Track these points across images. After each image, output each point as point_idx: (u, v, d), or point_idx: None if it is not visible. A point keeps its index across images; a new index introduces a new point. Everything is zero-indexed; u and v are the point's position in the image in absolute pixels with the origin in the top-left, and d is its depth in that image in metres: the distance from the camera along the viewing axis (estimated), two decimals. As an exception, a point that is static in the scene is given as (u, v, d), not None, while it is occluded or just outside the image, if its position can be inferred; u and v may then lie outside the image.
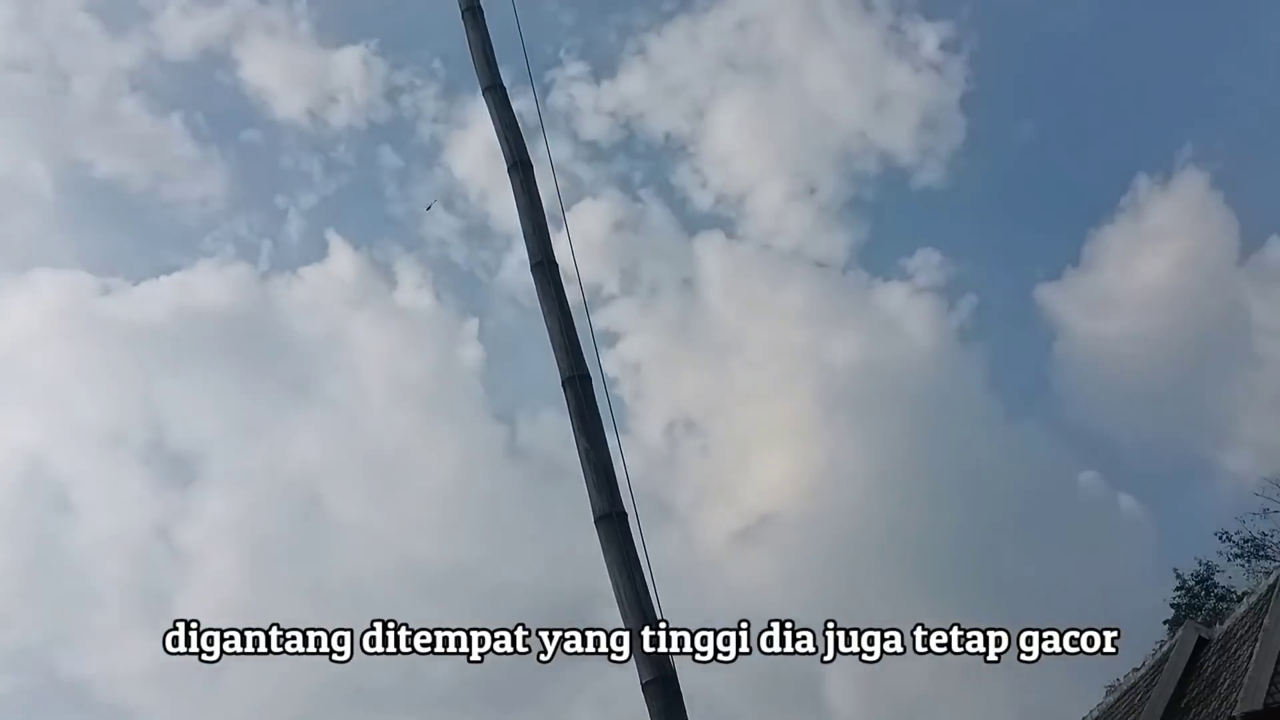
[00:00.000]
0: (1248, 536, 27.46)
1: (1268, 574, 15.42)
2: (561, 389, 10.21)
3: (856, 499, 38.27)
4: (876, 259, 46.61)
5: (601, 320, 40.90)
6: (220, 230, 46.16)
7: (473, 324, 45.15)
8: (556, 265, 10.89)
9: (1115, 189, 45.37)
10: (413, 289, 44.59)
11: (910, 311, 42.88)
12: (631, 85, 45.13)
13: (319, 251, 47.06)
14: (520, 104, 12.54)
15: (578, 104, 44.58)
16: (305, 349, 42.06)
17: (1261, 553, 27.21)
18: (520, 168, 11.53)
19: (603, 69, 50.36)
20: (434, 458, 40.19)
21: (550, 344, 10.58)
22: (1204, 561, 27.93)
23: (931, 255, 43.93)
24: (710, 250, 44.55)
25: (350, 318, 43.64)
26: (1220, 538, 27.58)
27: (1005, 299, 45.98)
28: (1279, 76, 43.01)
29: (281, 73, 47.06)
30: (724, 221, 45.47)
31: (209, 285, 42.12)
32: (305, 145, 46.23)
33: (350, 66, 45.72)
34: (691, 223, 47.91)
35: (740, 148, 45.56)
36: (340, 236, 44.21)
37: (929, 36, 43.35)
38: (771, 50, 45.26)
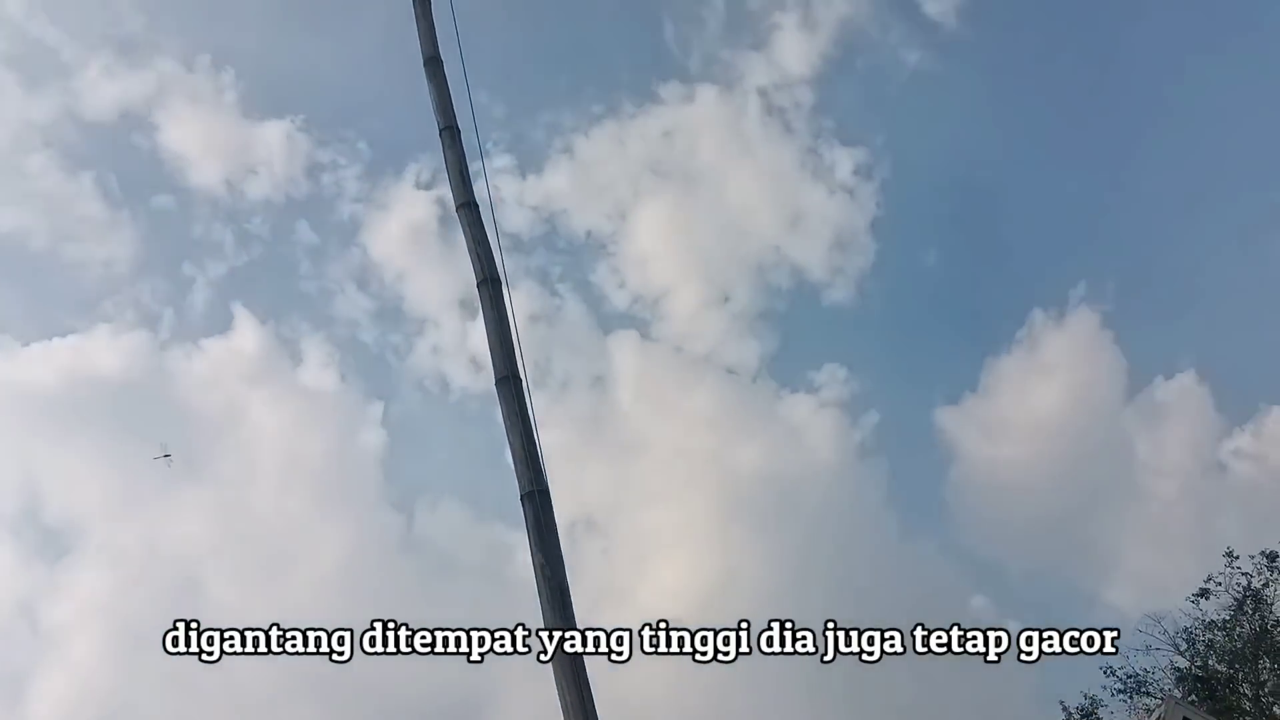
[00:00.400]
0: (1130, 673, 28.69)
1: (1149, 711, 16.16)
2: (520, 503, 10.39)
3: (751, 608, 38.50)
4: (785, 370, 48.05)
5: (508, 412, 41.16)
6: (122, 295, 45.06)
7: (377, 408, 44.74)
8: (522, 381, 11.15)
9: (1012, 321, 47.87)
10: (318, 368, 44.04)
11: (814, 424, 44.10)
12: (556, 182, 46.27)
13: (223, 324, 46.21)
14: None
15: (502, 195, 45.00)
16: (198, 423, 41.08)
17: (1143, 689, 28.42)
18: (490, 284, 11.82)
19: (529, 164, 51.56)
20: (324, 545, 39.27)
21: (511, 458, 10.79)
22: (1089, 695, 29.02)
23: (838, 370, 45.42)
24: (624, 349, 45.40)
25: (249, 394, 42.85)
26: (1105, 672, 28.74)
27: (906, 419, 47.72)
28: (1166, 229, 46.40)
29: (202, 141, 46.73)
30: (639, 322, 46.39)
31: (103, 351, 41.07)
32: (219, 215, 45.70)
33: (274, 140, 45.75)
34: (607, 321, 48.81)
35: (659, 251, 46.80)
36: (247, 310, 43.61)
37: (844, 161, 45.67)
38: (695, 161, 47.02)
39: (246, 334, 43.32)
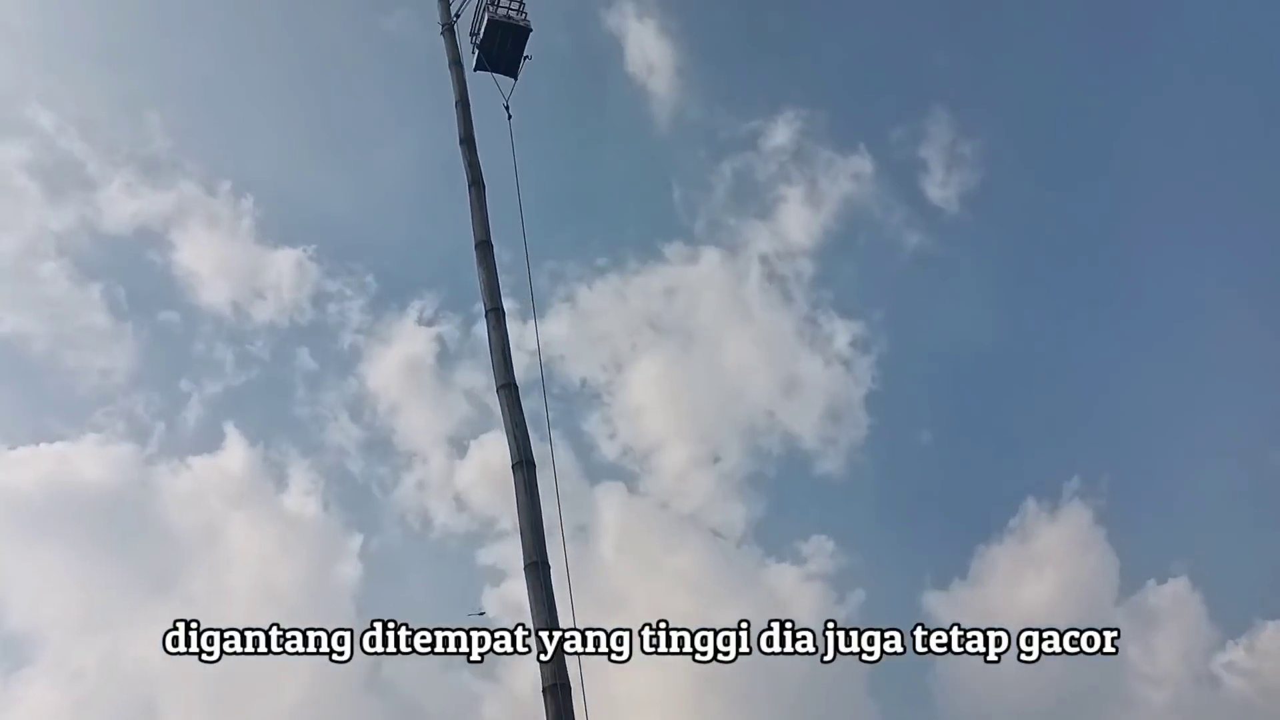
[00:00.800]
0: None
1: None
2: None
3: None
4: (771, 537, 47.70)
5: (489, 556, 40.15)
6: (115, 406, 44.82)
7: (357, 540, 43.94)
8: (549, 568, 11.42)
9: (1005, 509, 47.79)
10: (301, 494, 43.59)
11: (799, 596, 43.54)
12: (556, 328, 46.96)
13: (213, 442, 45.73)
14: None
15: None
16: (176, 541, 40.22)
17: None
18: (525, 466, 12.26)
19: (528, 312, 52.42)
20: (287, 677, 38.11)
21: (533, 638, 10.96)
22: None
23: (825, 543, 45.19)
24: (610, 501, 45.16)
25: (229, 515, 42.17)
26: None
27: (892, 600, 46.99)
28: (1164, 430, 47.12)
29: (214, 262, 47.21)
30: (627, 475, 46.30)
31: (89, 461, 40.52)
32: (222, 334, 45.91)
33: (284, 267, 46.49)
34: (595, 471, 48.71)
35: (652, 405, 46.98)
36: (238, 430, 43.28)
37: (842, 333, 46.48)
38: (694, 320, 47.77)
39: (235, 454, 43.21)
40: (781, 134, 48.02)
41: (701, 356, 47.38)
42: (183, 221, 46.72)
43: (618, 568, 42.56)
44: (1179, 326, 46.11)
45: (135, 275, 46.60)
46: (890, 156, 48.30)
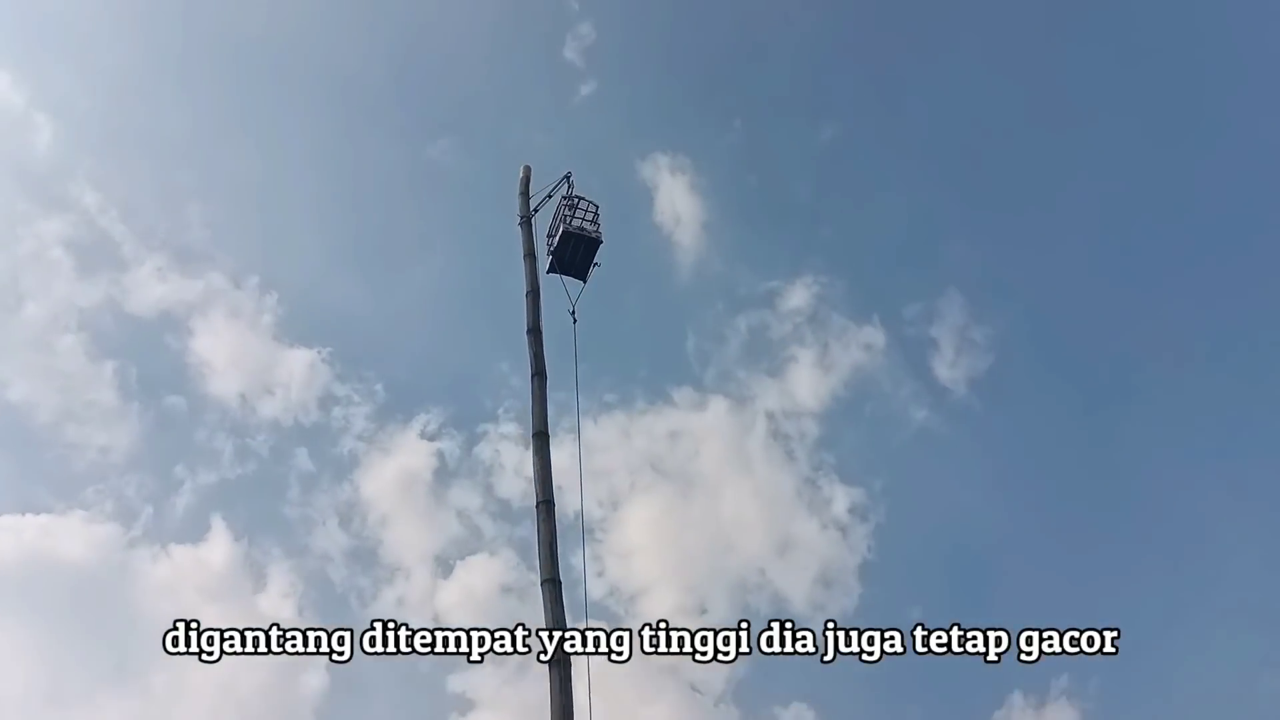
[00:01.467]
0: None
1: None
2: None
3: None
4: (751, 699, 47.30)
5: (459, 684, 39.98)
6: (107, 484, 45.15)
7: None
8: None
9: (990, 700, 47.42)
10: (278, 596, 43.54)
11: (774, 764, 43.17)
12: (557, 458, 47.53)
13: (198, 533, 45.87)
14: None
15: (501, 460, 45.94)
16: (145, 629, 40.19)
17: None
18: (561, 664, 13.20)
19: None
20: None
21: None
22: None
23: (805, 712, 44.93)
24: (591, 640, 45.03)
25: (202, 609, 42.13)
26: None
27: (870, 779, 46.57)
28: (1156, 641, 47.04)
29: (229, 354, 48.26)
30: (611, 615, 46.53)
31: (72, 537, 40.80)
32: (225, 425, 46.59)
33: (297, 366, 47.43)
34: (578, 608, 48.88)
35: (644, 548, 47.30)
36: (225, 523, 43.68)
37: (841, 498, 47.10)
38: (695, 466, 48.73)
39: (217, 547, 43.37)
40: (799, 296, 49.92)
41: (699, 504, 48.06)
42: (205, 310, 48.09)
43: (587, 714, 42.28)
44: (1181, 533, 46.61)
45: (149, 357, 47.70)
46: (903, 332, 49.99)
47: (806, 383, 49.14)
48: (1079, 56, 54.72)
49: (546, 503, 15.15)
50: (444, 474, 47.12)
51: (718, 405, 48.98)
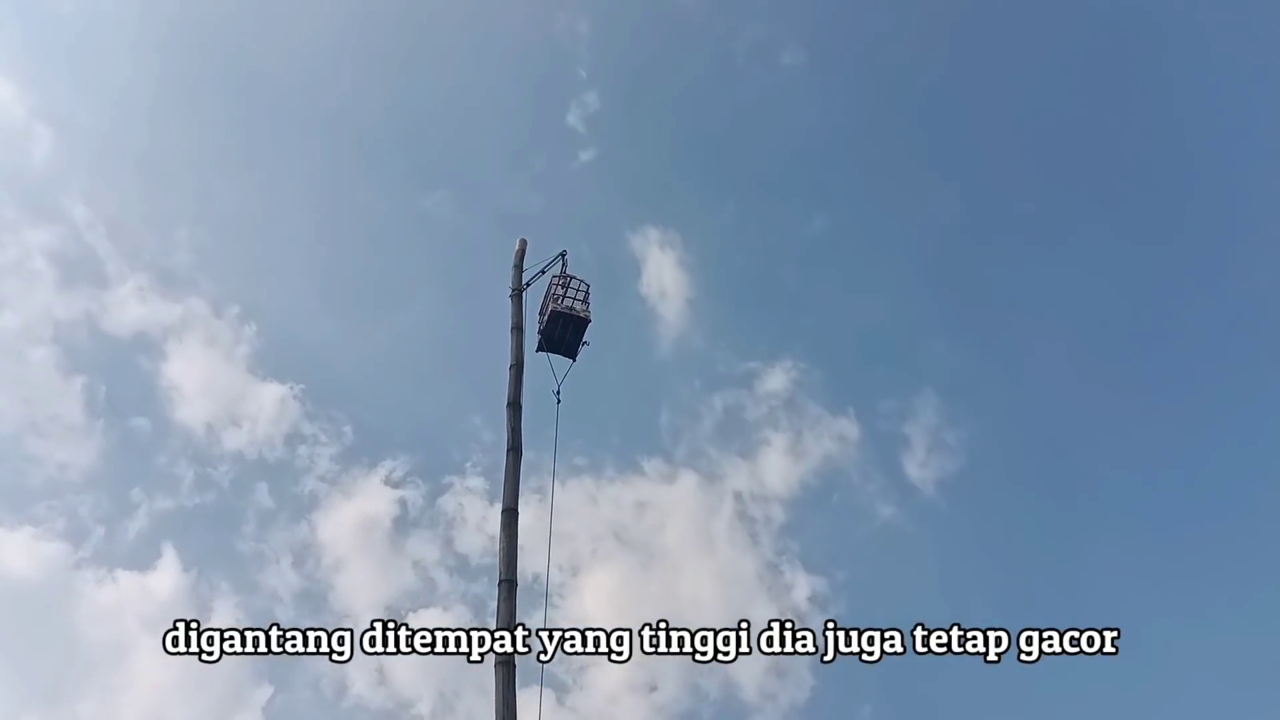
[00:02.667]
0: None
1: None
2: None
3: None
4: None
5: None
6: (60, 501, 44.44)
7: (265, 692, 42.86)
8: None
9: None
10: (220, 632, 42.70)
11: None
12: (522, 518, 47.10)
13: (147, 560, 45.08)
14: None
15: (465, 514, 45.89)
16: (81, 654, 39.34)
17: None
18: (504, 667, 13.26)
19: (498, 492, 52.80)
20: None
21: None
22: None
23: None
24: (534, 706, 44.34)
25: (141, 639, 41.27)
26: None
27: None
28: None
29: (200, 381, 47.88)
30: (558, 684, 45.71)
31: (18, 552, 40.06)
32: (188, 452, 46.23)
33: (267, 401, 47.22)
34: (527, 674, 48.11)
35: (600, 618, 46.90)
36: (175, 552, 42.97)
37: (802, 585, 46.74)
38: (658, 539, 48.53)
39: (165, 576, 42.55)
40: (777, 380, 50.19)
41: (658, 578, 47.74)
42: (181, 335, 47.87)
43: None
44: (1140, 651, 46.61)
45: (119, 376, 47.33)
46: (876, 425, 50.50)
47: (777, 468, 49.38)
48: (1065, 166, 56.40)
49: (509, 581, 15.12)
50: (403, 523, 46.73)
51: (687, 480, 49.05)
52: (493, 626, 14.58)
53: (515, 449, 16.83)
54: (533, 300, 19.55)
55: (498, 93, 57.07)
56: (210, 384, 47.47)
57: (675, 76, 58.61)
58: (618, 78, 57.55)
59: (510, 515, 15.94)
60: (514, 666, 14.10)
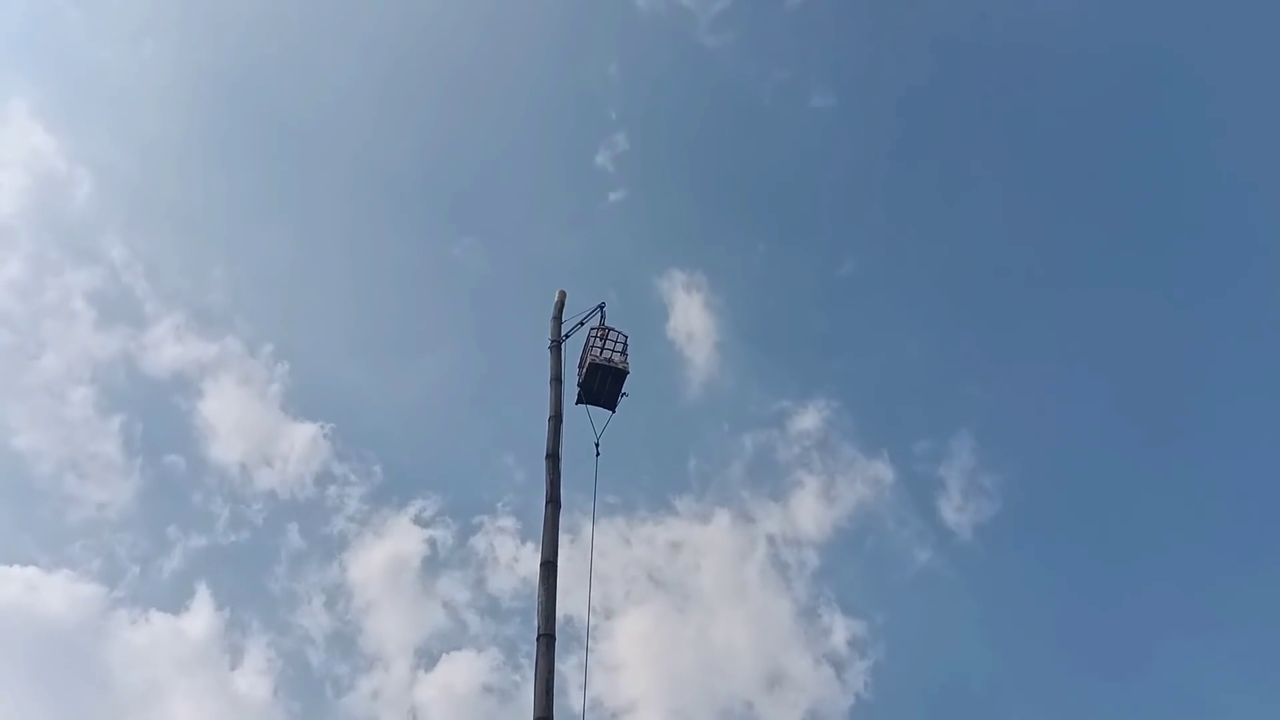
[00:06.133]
0: None
1: None
2: None
3: None
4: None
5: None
6: (98, 540, 44.81)
7: (300, 735, 42.73)
8: None
9: None
10: (254, 674, 42.81)
11: None
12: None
13: (181, 600, 45.44)
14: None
15: (496, 554, 46.00)
16: (114, 696, 39.49)
17: None
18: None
19: (532, 533, 52.65)
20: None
21: None
22: None
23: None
24: None
25: (175, 681, 41.43)
26: None
27: None
28: None
29: (234, 420, 48.76)
30: None
31: (53, 593, 40.42)
32: (223, 492, 46.72)
33: (299, 440, 47.81)
34: (561, 717, 47.49)
35: (633, 663, 45.88)
36: (209, 591, 43.20)
37: (841, 629, 45.29)
38: (693, 581, 47.78)
39: (199, 616, 42.80)
40: (809, 420, 50.02)
41: (693, 623, 46.66)
42: (216, 374, 48.57)
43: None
44: (1180, 700, 45.46)
45: (156, 414, 48.07)
46: (911, 468, 50.13)
47: (810, 511, 48.79)
48: (1103, 205, 56.26)
49: (548, 636, 15.04)
50: (433, 563, 46.85)
51: (721, 519, 48.39)
52: (531, 676, 14.56)
53: (554, 501, 16.81)
54: (571, 351, 19.79)
55: (527, 135, 58.05)
56: (244, 424, 48.09)
57: (704, 118, 59.36)
58: (646, 118, 58.31)
59: (549, 569, 15.89)
60: (553, 724, 14.01)
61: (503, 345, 51.51)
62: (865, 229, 59.25)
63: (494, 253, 55.84)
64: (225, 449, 47.37)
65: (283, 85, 56.01)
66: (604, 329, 19.50)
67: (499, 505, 47.06)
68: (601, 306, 19.83)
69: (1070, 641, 48.33)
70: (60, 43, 52.39)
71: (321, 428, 47.82)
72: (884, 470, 49.61)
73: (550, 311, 19.96)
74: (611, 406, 18.82)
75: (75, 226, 50.59)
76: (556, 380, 18.64)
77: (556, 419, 17.92)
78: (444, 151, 57.79)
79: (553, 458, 17.36)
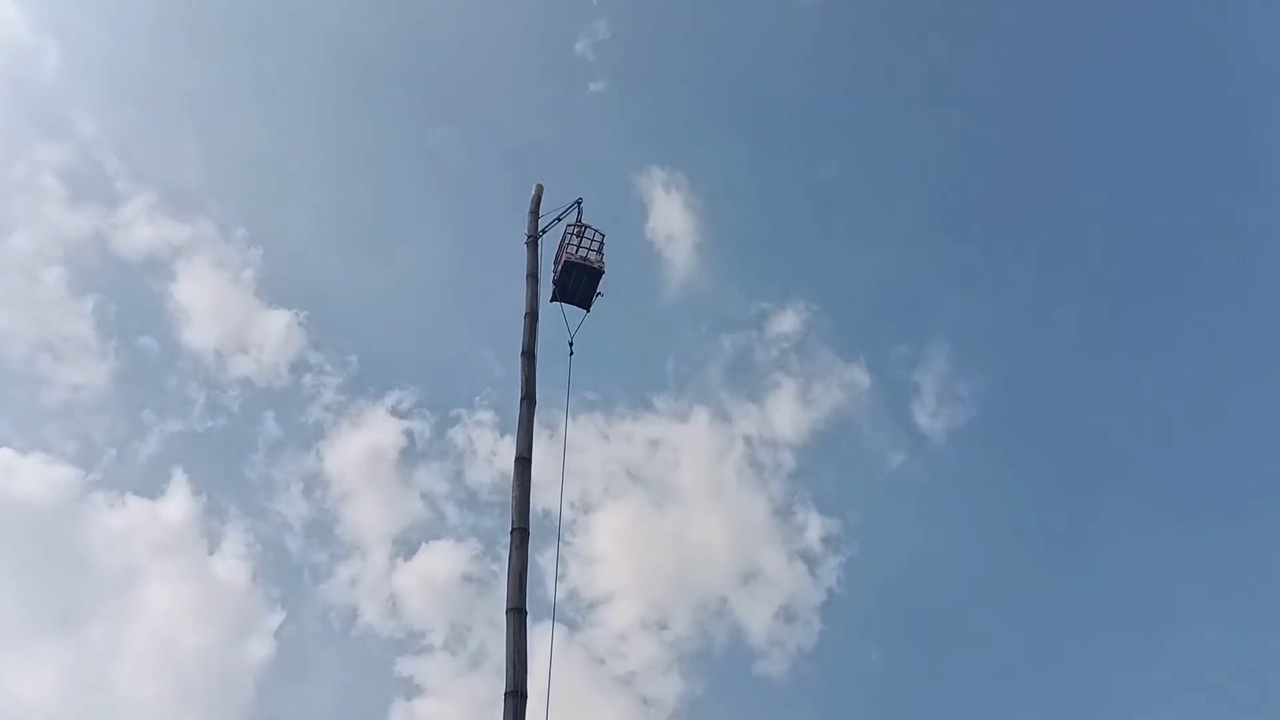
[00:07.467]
0: None
1: None
2: None
3: None
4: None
5: (408, 667, 40.38)
6: (73, 422, 44.59)
7: (276, 619, 43.40)
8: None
9: None
10: (233, 559, 43.00)
11: (716, 789, 42.51)
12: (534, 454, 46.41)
13: (157, 485, 45.41)
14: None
15: (475, 447, 45.95)
16: (92, 579, 39.89)
17: None
18: (516, 697, 13.36)
19: (508, 426, 52.37)
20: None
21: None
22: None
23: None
24: (544, 643, 44.12)
25: (152, 564, 41.80)
26: None
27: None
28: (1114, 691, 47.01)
29: (208, 305, 47.70)
30: (569, 620, 45.69)
31: (28, 476, 40.39)
32: (198, 377, 46.37)
33: (273, 328, 46.93)
34: (538, 608, 48.14)
35: (611, 556, 46.27)
36: (186, 476, 43.22)
37: (815, 526, 45.62)
38: (672, 478, 47.53)
39: (176, 501, 42.91)
40: (788, 322, 50.02)
41: (670, 519, 46.94)
42: (189, 255, 47.72)
43: (535, 715, 41.79)
44: (1149, 601, 46.53)
45: (129, 296, 47.38)
46: (888, 373, 50.52)
47: (787, 413, 49.14)
48: (1088, 109, 55.67)
49: (521, 530, 15.18)
50: (411, 454, 46.87)
51: (700, 416, 48.70)
52: (505, 574, 14.79)
53: (529, 398, 16.85)
54: (547, 246, 19.60)
55: (506, 21, 56.28)
56: (217, 309, 47.43)
57: (688, 8, 57.73)
58: (628, 5, 56.59)
59: (523, 464, 15.96)
60: (525, 614, 14.29)
61: (479, 237, 50.96)
62: (849, 132, 58.42)
63: (470, 142, 54.89)
64: (199, 334, 46.92)
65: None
66: (581, 226, 19.30)
67: (476, 399, 47.12)
68: (579, 202, 19.59)
69: (1038, 541, 49.60)
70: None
71: (296, 315, 47.34)
72: (860, 375, 49.95)
73: (528, 205, 19.74)
74: (586, 306, 18.74)
75: (43, 100, 49.02)
76: (532, 277, 18.49)
77: (532, 316, 17.83)
78: (420, 36, 56.14)
79: (528, 355, 17.36)
